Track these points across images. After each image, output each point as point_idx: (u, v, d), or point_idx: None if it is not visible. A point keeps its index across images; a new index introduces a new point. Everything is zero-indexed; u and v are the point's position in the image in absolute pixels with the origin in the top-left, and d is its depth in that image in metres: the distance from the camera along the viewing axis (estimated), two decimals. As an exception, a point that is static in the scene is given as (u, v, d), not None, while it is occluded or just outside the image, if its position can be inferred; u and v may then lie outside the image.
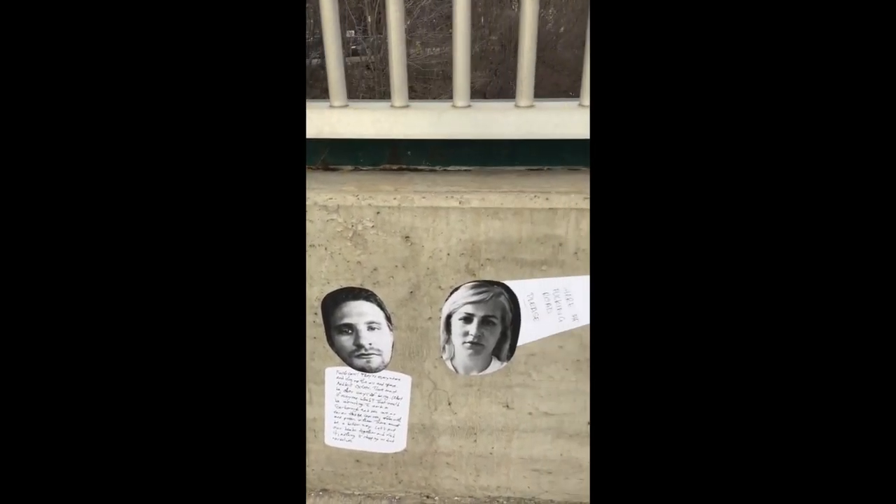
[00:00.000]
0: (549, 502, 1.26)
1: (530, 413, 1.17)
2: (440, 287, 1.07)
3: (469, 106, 1.05)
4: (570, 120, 1.02)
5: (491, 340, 1.10)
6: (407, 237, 1.03)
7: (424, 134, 1.05)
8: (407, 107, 1.06)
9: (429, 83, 8.10)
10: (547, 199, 0.99)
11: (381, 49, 8.05)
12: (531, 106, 1.04)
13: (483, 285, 1.06)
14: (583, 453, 1.19)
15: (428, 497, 1.26)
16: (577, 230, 1.01)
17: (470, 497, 1.26)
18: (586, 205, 0.99)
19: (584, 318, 1.08)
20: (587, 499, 1.24)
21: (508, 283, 1.06)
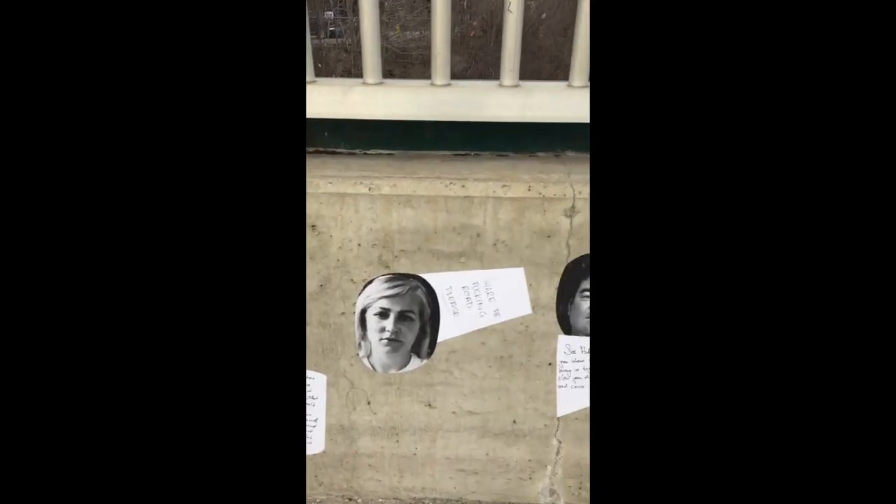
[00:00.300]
0: (476, 503, 1.20)
1: (454, 412, 1.11)
2: (352, 280, 1.00)
3: (381, 83, 0.97)
4: (489, 101, 0.95)
5: (409, 337, 1.04)
6: (313, 226, 0.96)
7: (327, 113, 0.97)
8: (313, 82, 0.97)
9: (408, 67, 7.95)
10: (463, 186, 0.92)
11: (358, 31, 7.88)
12: (448, 84, 0.96)
13: (398, 278, 1.00)
14: (509, 453, 1.14)
15: (350, 499, 1.21)
16: (494, 220, 0.94)
17: (395, 499, 1.21)
18: (504, 193, 0.92)
19: (506, 314, 1.02)
20: (515, 499, 1.19)
21: (425, 275, 0.99)
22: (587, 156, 1.06)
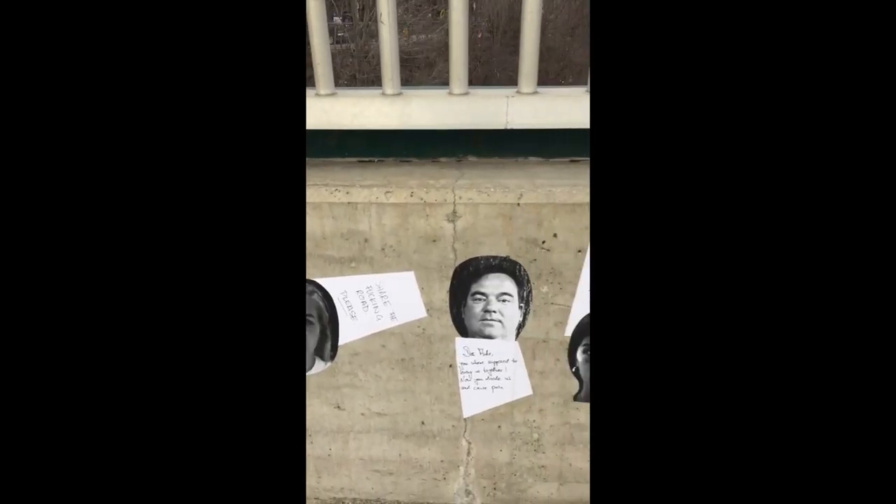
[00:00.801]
0: (395, 503, 1.22)
1: (363, 413, 1.13)
2: (251, 285, 1.03)
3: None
4: (368, 110, 0.97)
5: (311, 340, 1.07)
6: (209, 234, 0.99)
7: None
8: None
9: (413, 70, 8.01)
10: (347, 192, 0.95)
11: (363, 36, 7.98)
12: (332, 94, 0.99)
13: (295, 283, 1.02)
14: (421, 454, 1.16)
15: (272, 498, 1.24)
16: (379, 226, 0.96)
17: (315, 499, 1.23)
18: (386, 199, 0.94)
19: (402, 317, 1.03)
20: (432, 499, 1.21)
21: (319, 280, 1.02)
22: (488, 161, 1.08)
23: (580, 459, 1.13)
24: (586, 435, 1.10)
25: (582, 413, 1.08)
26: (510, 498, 1.20)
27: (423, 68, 8.11)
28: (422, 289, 1.01)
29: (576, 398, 1.07)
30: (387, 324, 1.04)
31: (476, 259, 0.98)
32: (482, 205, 0.93)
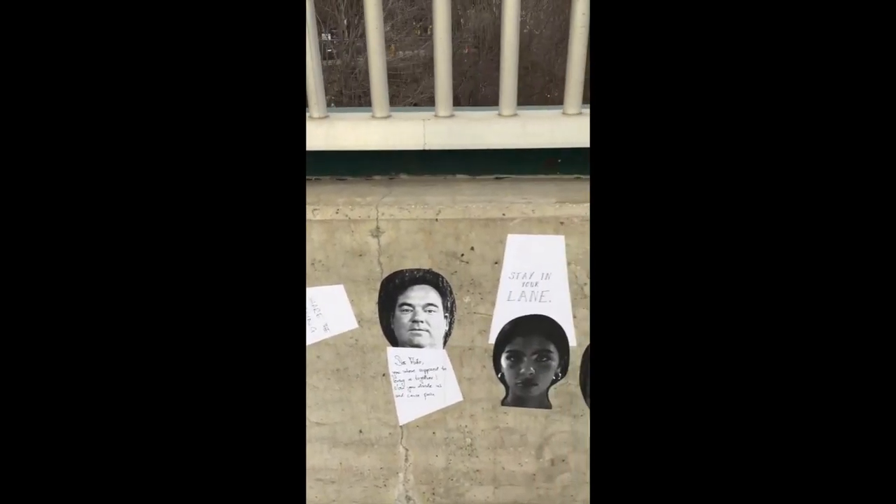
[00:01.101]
0: (339, 510, 1.26)
1: (303, 422, 1.17)
2: (190, 300, 1.08)
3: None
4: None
5: (250, 352, 1.11)
6: (147, 252, 1.04)
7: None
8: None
9: (400, 86, 8.15)
10: (277, 211, 1.00)
11: (350, 52, 8.12)
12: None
13: (231, 297, 1.07)
14: (360, 462, 1.20)
15: (220, 507, 1.27)
16: (308, 241, 1.01)
17: (262, 506, 1.27)
18: (313, 216, 0.99)
19: (335, 328, 1.08)
20: (375, 506, 1.25)
21: (255, 294, 1.06)
22: (418, 178, 1.13)
23: (512, 462, 1.17)
24: (516, 438, 1.14)
25: (510, 417, 1.13)
26: (449, 502, 1.24)
27: (409, 83, 8.26)
28: (352, 301, 1.06)
29: (503, 403, 1.12)
30: (321, 335, 1.09)
31: (401, 272, 1.03)
32: (403, 220, 0.99)
